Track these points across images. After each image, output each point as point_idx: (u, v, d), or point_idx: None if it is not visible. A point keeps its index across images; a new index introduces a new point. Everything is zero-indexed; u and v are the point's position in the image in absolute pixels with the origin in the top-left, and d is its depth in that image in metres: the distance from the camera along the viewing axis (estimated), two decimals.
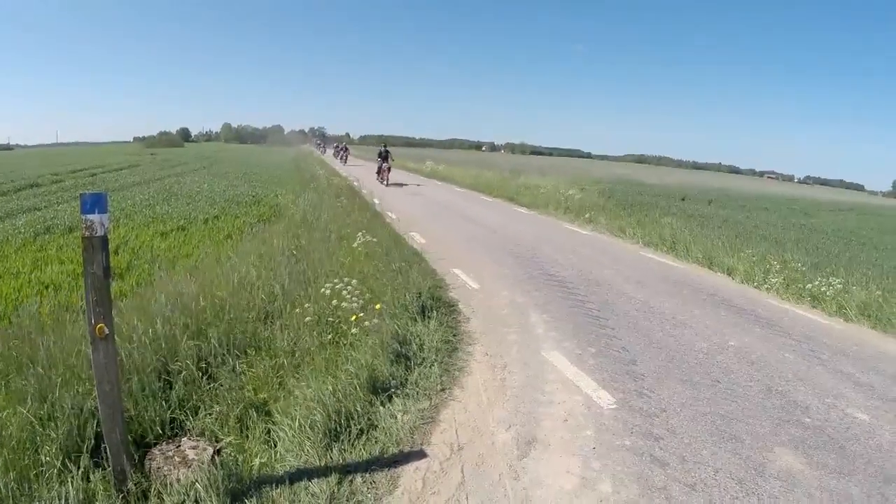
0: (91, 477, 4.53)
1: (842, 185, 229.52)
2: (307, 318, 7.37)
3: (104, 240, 4.03)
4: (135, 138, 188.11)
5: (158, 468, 4.95)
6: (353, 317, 7.33)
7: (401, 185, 34.68)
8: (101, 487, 4.41)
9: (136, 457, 4.81)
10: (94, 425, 4.85)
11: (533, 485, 4.93)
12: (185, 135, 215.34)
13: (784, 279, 12.95)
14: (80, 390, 5.38)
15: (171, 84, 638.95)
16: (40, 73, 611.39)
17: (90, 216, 3.96)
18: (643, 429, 5.90)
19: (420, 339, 7.83)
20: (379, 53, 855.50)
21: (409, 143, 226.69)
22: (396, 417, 5.91)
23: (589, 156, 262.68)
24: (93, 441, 4.82)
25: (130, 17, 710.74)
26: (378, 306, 7.93)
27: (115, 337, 4.40)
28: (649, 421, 6.08)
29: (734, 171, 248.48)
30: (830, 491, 5.02)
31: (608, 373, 7.30)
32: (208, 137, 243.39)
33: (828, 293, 11.72)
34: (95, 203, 3.98)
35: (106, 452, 4.45)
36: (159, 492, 4.54)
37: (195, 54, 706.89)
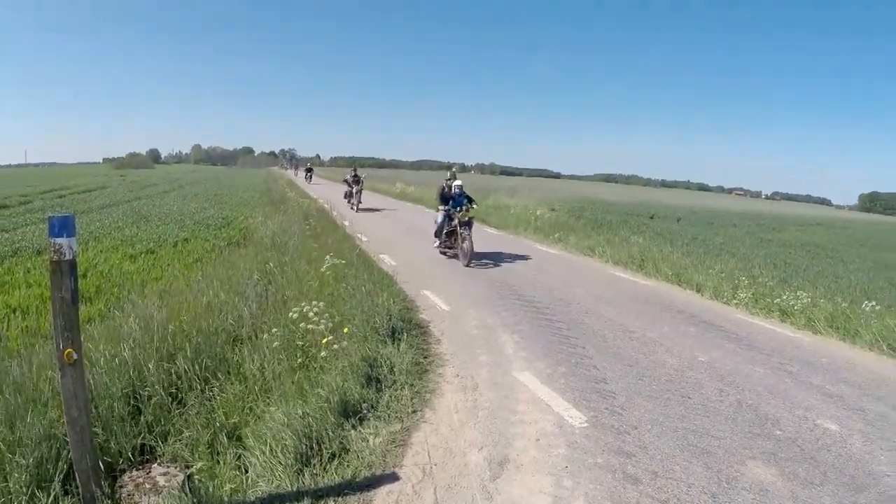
0: None
1: (809, 199, 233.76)
2: (275, 343, 7.33)
3: (72, 264, 4.01)
4: (104, 159, 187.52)
5: (129, 495, 4.94)
6: (323, 340, 7.29)
7: (371, 207, 34.14)
8: None
9: (107, 484, 4.75)
10: (65, 452, 4.80)
11: None
12: (155, 156, 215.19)
13: (753, 294, 13.08)
14: (50, 416, 5.33)
15: (141, 105, 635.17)
16: (7, 92, 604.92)
17: (58, 240, 3.93)
18: (615, 446, 5.91)
19: (390, 362, 7.80)
20: (348, 76, 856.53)
21: (380, 164, 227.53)
22: (368, 440, 5.89)
23: (558, 175, 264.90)
24: (64, 468, 4.77)
25: (100, 37, 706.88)
26: (346, 330, 7.92)
27: (84, 362, 4.37)
28: (621, 438, 6.09)
29: (703, 188, 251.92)
30: (803, 501, 5.08)
31: (579, 392, 7.33)
32: (178, 159, 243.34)
33: (796, 307, 11.86)
34: (63, 226, 3.95)
35: (76, 479, 4.40)
36: None
37: (166, 75, 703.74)
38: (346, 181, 35.48)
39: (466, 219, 16.59)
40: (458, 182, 17.84)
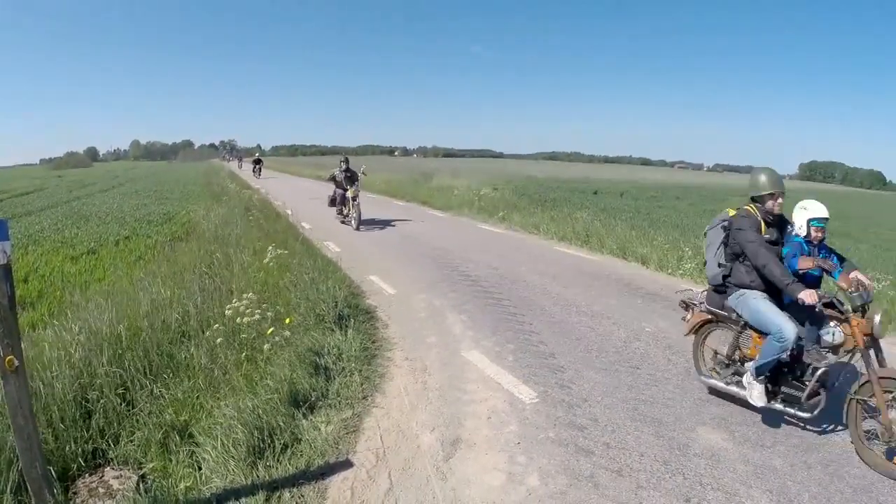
0: None
1: (750, 170, 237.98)
2: (219, 339, 7.28)
3: (7, 268, 3.91)
4: (42, 160, 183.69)
5: (83, 501, 4.86)
6: (268, 331, 7.27)
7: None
8: None
9: (60, 491, 4.67)
10: (16, 462, 4.71)
11: (461, 484, 4.96)
12: (93, 154, 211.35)
13: (697, 264, 13.16)
14: None
15: (77, 102, 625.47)
16: None
17: None
18: (566, 420, 5.98)
19: (338, 349, 7.80)
20: (286, 63, 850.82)
21: (322, 151, 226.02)
22: (320, 429, 5.88)
23: (501, 155, 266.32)
24: (15, 478, 4.69)
25: (30, 32, 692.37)
26: (289, 320, 7.85)
27: (28, 368, 4.30)
28: (572, 412, 6.16)
29: (645, 162, 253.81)
30: (754, 464, 5.18)
31: (528, 368, 7.38)
32: (117, 156, 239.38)
33: None
34: None
35: (28, 489, 4.33)
36: None
37: (101, 70, 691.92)
38: (333, 179, 21.49)
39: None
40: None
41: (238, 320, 7.42)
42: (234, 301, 7.76)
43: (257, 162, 58.87)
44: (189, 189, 43.75)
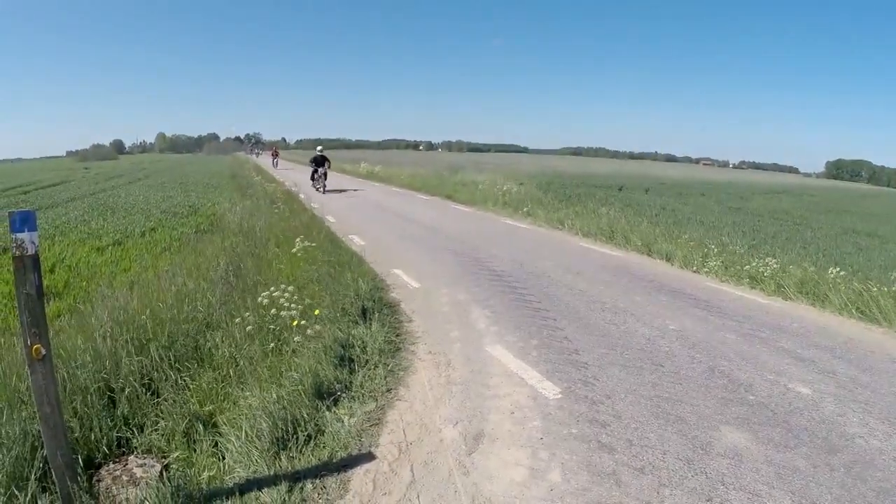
0: (38, 503, 4.44)
1: (776, 168, 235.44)
2: (248, 328, 7.25)
3: (35, 258, 3.93)
4: (68, 153, 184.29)
5: (107, 489, 4.87)
6: (294, 323, 7.21)
7: (339, 189, 33.66)
8: None
9: (84, 478, 4.69)
10: (41, 449, 4.73)
11: (483, 479, 4.93)
12: (119, 147, 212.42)
13: (722, 262, 13.14)
14: (24, 414, 5.26)
15: (103, 95, 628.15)
16: None
17: (20, 235, 3.84)
18: (589, 416, 5.93)
19: (363, 342, 7.76)
20: (311, 57, 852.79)
21: (347, 145, 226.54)
22: (343, 421, 5.86)
23: (526, 150, 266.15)
24: (40, 466, 4.71)
25: (55, 28, 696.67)
26: (317, 312, 7.85)
27: (55, 357, 4.31)
28: (595, 408, 6.11)
29: (671, 159, 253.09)
30: (777, 465, 5.11)
31: (552, 363, 7.33)
32: (143, 148, 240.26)
33: (766, 273, 11.94)
34: (24, 221, 3.86)
35: (53, 476, 4.35)
36: None
37: (127, 63, 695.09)
38: None
39: None
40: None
41: (273, 311, 7.39)
42: (271, 290, 7.68)
43: (319, 163, 32.48)
44: (214, 182, 43.94)
